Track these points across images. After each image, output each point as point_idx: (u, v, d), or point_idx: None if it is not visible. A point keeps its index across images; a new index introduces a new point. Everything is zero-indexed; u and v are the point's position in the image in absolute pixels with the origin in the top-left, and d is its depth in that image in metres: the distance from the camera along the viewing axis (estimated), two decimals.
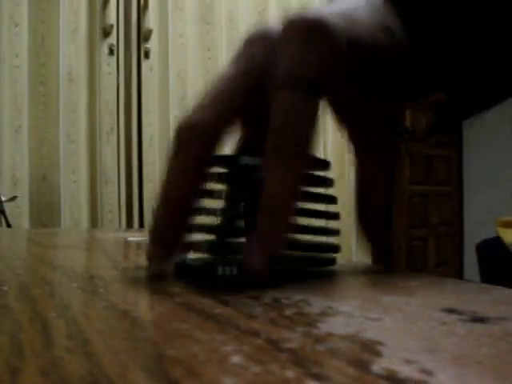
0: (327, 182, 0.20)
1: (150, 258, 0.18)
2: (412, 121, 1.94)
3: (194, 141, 0.18)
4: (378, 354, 0.09)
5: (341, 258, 0.22)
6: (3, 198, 1.20)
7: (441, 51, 0.21)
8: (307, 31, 0.18)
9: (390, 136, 0.21)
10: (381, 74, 0.20)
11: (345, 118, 0.22)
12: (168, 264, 0.19)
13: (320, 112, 0.18)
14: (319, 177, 0.20)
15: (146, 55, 1.42)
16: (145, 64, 1.42)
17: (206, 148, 0.18)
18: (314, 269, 0.20)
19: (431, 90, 0.23)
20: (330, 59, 0.18)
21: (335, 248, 0.21)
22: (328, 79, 0.18)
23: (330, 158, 1.60)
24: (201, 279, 0.18)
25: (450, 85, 0.23)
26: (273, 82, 0.18)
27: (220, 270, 0.18)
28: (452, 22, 0.20)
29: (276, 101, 0.17)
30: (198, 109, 0.18)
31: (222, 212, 0.19)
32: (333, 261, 0.21)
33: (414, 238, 2.02)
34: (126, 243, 0.38)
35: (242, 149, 0.21)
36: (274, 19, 0.22)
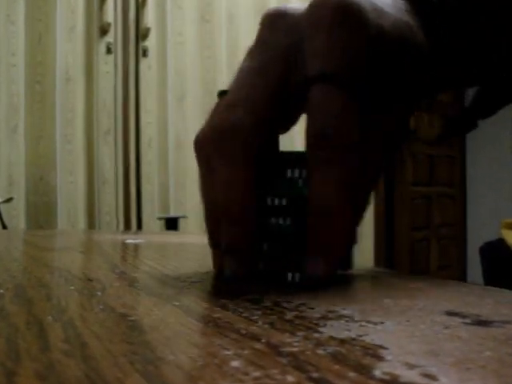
0: None
1: (230, 272, 0.18)
2: (413, 121, 1.94)
3: (236, 143, 0.17)
4: (380, 358, 0.09)
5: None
6: None
7: (460, 50, 0.20)
8: (334, 16, 0.17)
9: (384, 151, 0.20)
10: (400, 69, 0.19)
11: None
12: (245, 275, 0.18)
13: (356, 106, 0.17)
14: None
15: (144, 54, 1.41)
16: (143, 63, 1.42)
17: (252, 152, 0.17)
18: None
19: (445, 88, 0.22)
20: (361, 48, 0.17)
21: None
22: (360, 72, 0.17)
23: None
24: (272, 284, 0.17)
25: (468, 82, 0.22)
26: (303, 76, 0.17)
27: (289, 276, 0.17)
28: (469, 22, 0.20)
29: (310, 97, 0.17)
30: (231, 107, 0.17)
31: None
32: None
33: (416, 240, 2.02)
34: (124, 245, 0.38)
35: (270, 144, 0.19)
36: None
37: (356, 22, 0.17)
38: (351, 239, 0.19)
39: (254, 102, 0.17)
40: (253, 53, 0.19)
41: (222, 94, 0.19)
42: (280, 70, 0.18)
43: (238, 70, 0.19)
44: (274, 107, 0.18)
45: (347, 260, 0.19)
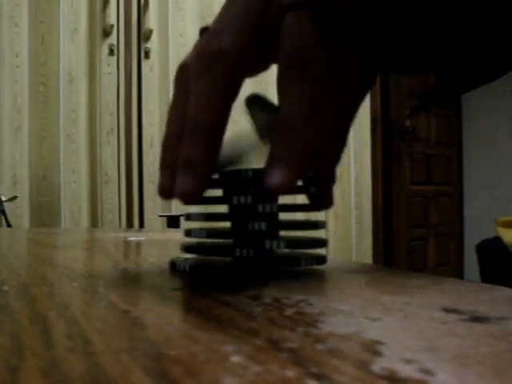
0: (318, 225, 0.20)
1: (181, 190, 0.17)
2: (412, 121, 1.93)
3: (221, 64, 0.17)
4: (378, 354, 0.09)
5: (341, 258, 0.22)
6: (3, 198, 1.20)
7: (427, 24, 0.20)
8: None
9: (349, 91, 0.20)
10: (375, 13, 0.19)
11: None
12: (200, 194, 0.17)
13: (330, 32, 0.17)
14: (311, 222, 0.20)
15: (147, 55, 1.42)
16: (145, 64, 1.42)
17: (234, 78, 0.17)
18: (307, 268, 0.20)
19: (419, 66, 0.22)
20: None
21: (323, 242, 0.20)
22: (330, 2, 0.17)
23: None
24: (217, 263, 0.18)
25: (442, 59, 0.22)
26: (277, 6, 0.17)
27: (237, 252, 0.18)
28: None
29: (284, 23, 0.17)
30: (218, 33, 0.17)
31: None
32: (324, 259, 0.20)
33: (414, 238, 2.02)
34: (126, 243, 0.38)
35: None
36: None
37: None
38: (329, 174, 0.19)
39: (240, 28, 0.17)
40: None
41: (203, 30, 0.19)
42: (261, 3, 0.18)
43: (222, 6, 0.19)
44: (258, 36, 0.18)
45: (326, 197, 0.20)
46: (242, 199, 0.18)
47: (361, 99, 0.21)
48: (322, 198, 0.20)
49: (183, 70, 0.19)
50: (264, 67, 0.21)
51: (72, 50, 1.34)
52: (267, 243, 0.18)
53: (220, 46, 0.17)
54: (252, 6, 0.18)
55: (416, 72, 0.23)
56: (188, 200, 0.17)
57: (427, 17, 0.20)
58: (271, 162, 0.16)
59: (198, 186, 0.17)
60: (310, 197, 0.20)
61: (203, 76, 0.17)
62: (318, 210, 0.20)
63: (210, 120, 0.17)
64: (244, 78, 0.18)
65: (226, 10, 0.18)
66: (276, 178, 0.16)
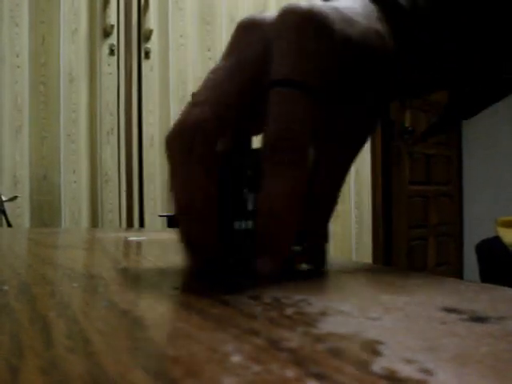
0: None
1: (197, 264, 0.18)
2: (412, 121, 1.93)
3: (198, 139, 0.17)
4: (378, 354, 0.09)
5: (341, 258, 0.22)
6: (4, 198, 1.20)
7: (433, 53, 0.21)
8: (301, 22, 0.17)
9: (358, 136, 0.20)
10: (370, 74, 0.20)
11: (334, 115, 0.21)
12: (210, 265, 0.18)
13: (319, 111, 0.17)
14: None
15: (147, 55, 1.42)
16: (145, 64, 1.42)
17: (212, 148, 0.18)
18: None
19: (426, 90, 0.23)
20: (325, 55, 0.17)
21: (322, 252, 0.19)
22: (323, 77, 0.17)
23: None
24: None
25: (449, 84, 0.22)
26: (268, 79, 0.17)
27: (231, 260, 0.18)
28: (441, 29, 0.20)
29: (272, 100, 0.17)
30: (197, 106, 0.18)
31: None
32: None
33: (414, 238, 2.02)
34: (127, 243, 0.38)
35: (238, 145, 0.20)
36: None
37: (321, 29, 0.17)
38: (320, 233, 0.19)
39: (219, 100, 0.18)
40: (224, 56, 0.19)
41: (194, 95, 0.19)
42: (249, 72, 0.18)
43: (209, 72, 0.19)
44: (240, 107, 0.18)
45: (320, 258, 0.19)
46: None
47: (360, 148, 0.21)
48: (318, 259, 0.19)
49: (168, 143, 0.19)
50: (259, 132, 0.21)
51: (72, 50, 1.34)
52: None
53: (195, 118, 0.18)
54: (239, 74, 0.18)
55: (417, 95, 0.23)
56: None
57: (423, 17, 0.20)
58: (258, 251, 0.17)
59: (204, 262, 0.18)
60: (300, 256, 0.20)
61: (183, 152, 0.18)
62: (317, 268, 0.19)
63: (195, 204, 0.18)
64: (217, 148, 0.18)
65: (212, 73, 0.19)
66: (265, 267, 0.17)
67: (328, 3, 0.19)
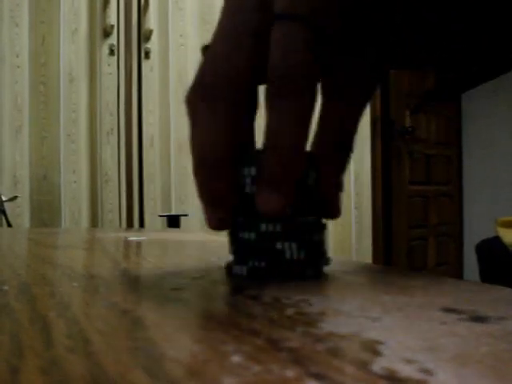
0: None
1: (216, 223, 0.17)
2: (412, 121, 1.94)
3: (222, 95, 0.17)
4: (378, 354, 0.09)
5: (341, 258, 0.22)
6: (4, 198, 1.20)
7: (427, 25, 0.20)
8: None
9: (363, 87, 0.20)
10: (372, 25, 0.19)
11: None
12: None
13: (321, 45, 0.17)
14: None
15: (147, 55, 1.42)
16: (145, 64, 1.42)
17: (238, 101, 0.17)
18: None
19: (419, 61, 0.22)
20: None
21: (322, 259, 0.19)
22: (324, 15, 0.17)
23: None
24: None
25: (439, 58, 0.22)
26: (270, 17, 0.17)
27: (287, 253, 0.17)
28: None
29: (272, 35, 0.17)
30: (216, 61, 0.17)
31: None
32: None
33: (414, 238, 2.02)
34: (126, 243, 0.38)
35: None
36: None
37: None
38: (337, 185, 0.19)
39: (240, 51, 0.17)
40: (229, 4, 0.18)
41: (206, 48, 0.19)
42: (257, 19, 0.18)
43: (218, 24, 0.18)
44: (258, 56, 0.17)
45: (334, 207, 0.19)
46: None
47: (365, 102, 0.20)
48: (328, 207, 0.19)
49: (189, 99, 0.18)
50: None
51: (72, 50, 1.34)
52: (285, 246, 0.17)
53: (221, 72, 0.17)
54: (250, 22, 0.18)
55: (419, 67, 0.23)
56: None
57: None
58: (259, 185, 0.16)
59: (221, 222, 0.18)
60: (317, 208, 0.19)
61: (205, 105, 0.17)
62: (325, 218, 0.19)
63: (213, 156, 0.17)
64: (247, 107, 0.18)
65: (222, 26, 0.18)
66: (266, 204, 0.16)
67: None
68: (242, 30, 0.18)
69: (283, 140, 0.16)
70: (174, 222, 1.27)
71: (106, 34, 1.37)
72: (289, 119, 0.16)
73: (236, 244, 0.18)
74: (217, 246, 0.31)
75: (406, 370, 0.08)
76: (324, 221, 0.19)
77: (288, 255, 0.17)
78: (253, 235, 0.17)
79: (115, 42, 1.37)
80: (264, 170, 0.16)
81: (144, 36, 1.41)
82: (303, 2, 0.17)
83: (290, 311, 0.12)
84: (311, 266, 0.18)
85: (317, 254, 0.18)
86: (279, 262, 0.17)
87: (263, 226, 0.17)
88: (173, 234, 0.49)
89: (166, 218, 1.32)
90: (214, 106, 0.17)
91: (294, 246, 0.17)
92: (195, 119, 0.18)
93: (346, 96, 0.20)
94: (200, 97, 0.18)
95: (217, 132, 0.17)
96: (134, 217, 1.40)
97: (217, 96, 0.17)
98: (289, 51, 0.16)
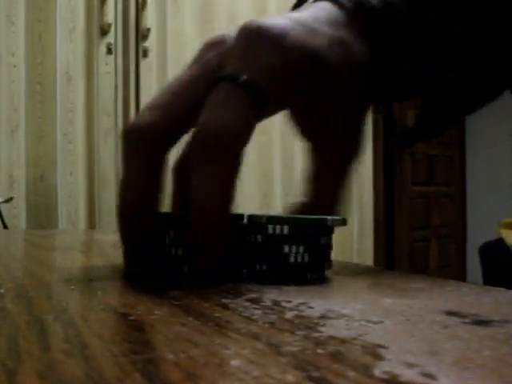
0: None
1: (130, 261, 0.19)
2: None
3: (142, 142, 0.18)
4: (380, 358, 0.09)
5: (342, 260, 0.22)
6: (0, 200, 1.19)
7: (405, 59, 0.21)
8: (252, 37, 0.18)
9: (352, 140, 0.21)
10: (337, 85, 0.20)
11: (303, 123, 0.22)
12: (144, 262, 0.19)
13: (260, 116, 0.17)
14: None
15: (145, 54, 1.42)
16: (143, 63, 1.42)
17: (154, 148, 0.18)
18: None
19: (403, 96, 0.23)
20: (276, 65, 0.18)
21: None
22: (272, 85, 0.18)
23: None
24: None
25: (425, 90, 0.22)
26: (213, 79, 0.18)
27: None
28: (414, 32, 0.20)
29: (209, 95, 0.17)
30: (148, 110, 0.19)
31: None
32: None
33: (416, 240, 2.02)
34: None
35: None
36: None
37: (273, 40, 0.18)
38: (331, 198, 0.20)
39: (171, 107, 0.18)
40: (187, 67, 0.20)
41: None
42: (203, 85, 0.18)
43: (172, 78, 0.20)
44: (191, 115, 0.18)
45: (324, 263, 0.18)
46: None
47: (353, 153, 0.21)
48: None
49: (123, 142, 0.20)
50: None
51: (69, 49, 1.33)
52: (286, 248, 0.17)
53: (146, 121, 0.18)
54: (193, 85, 0.19)
55: (409, 97, 0.23)
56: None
57: None
58: (194, 247, 0.17)
59: (130, 260, 0.19)
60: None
61: (129, 152, 0.19)
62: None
63: (131, 204, 0.18)
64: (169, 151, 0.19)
65: (171, 81, 0.20)
66: (202, 265, 0.18)
67: (290, 15, 0.19)
68: (186, 89, 0.19)
69: (207, 207, 0.17)
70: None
71: (104, 32, 1.36)
72: (213, 186, 0.16)
73: (240, 247, 0.18)
74: None
75: (407, 374, 0.08)
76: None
77: (292, 259, 0.17)
78: (259, 238, 0.17)
79: (113, 41, 1.37)
80: (192, 236, 0.17)
81: (142, 34, 1.41)
82: (246, 67, 0.17)
83: (290, 314, 0.12)
84: (314, 270, 0.17)
85: (321, 257, 0.18)
86: (282, 265, 0.17)
87: (270, 229, 0.17)
88: None
89: None
90: (133, 153, 0.18)
91: (301, 249, 0.17)
92: (122, 166, 0.19)
93: (336, 148, 0.21)
94: (126, 141, 0.19)
95: (132, 183, 0.18)
96: None
97: (140, 144, 0.18)
98: (218, 112, 0.17)
